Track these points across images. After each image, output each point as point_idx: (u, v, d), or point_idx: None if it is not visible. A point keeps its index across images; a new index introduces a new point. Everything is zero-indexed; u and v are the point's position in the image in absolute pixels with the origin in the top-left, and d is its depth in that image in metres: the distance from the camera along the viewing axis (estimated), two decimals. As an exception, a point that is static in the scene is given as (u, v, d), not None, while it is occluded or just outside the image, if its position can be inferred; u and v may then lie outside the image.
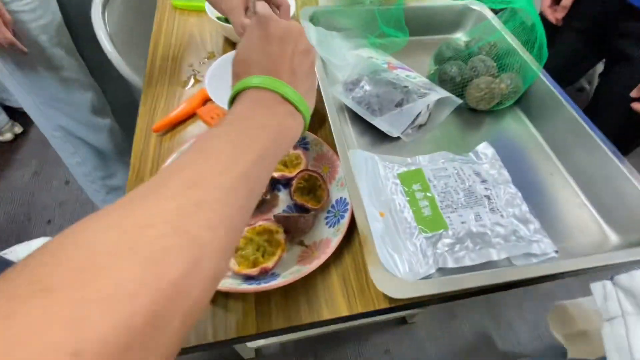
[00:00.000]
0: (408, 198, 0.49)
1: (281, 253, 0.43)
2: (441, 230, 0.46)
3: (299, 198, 0.49)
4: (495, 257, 0.46)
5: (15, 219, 1.47)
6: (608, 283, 0.39)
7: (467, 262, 0.45)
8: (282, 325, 0.42)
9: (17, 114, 1.70)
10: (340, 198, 0.49)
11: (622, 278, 0.37)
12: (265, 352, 1.15)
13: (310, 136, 0.55)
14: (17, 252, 0.46)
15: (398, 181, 0.51)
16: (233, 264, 0.42)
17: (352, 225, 0.46)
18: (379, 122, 0.58)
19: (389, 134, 0.58)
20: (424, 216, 0.48)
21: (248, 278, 0.42)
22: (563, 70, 1.17)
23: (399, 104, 0.58)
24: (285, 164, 0.52)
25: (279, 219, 0.46)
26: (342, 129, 0.61)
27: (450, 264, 0.45)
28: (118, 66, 0.88)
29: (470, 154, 0.58)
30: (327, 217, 0.49)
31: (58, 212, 1.52)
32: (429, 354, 1.21)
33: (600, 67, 1.58)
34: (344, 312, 0.43)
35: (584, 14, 1.12)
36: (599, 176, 0.55)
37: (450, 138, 0.63)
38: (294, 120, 0.31)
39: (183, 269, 0.19)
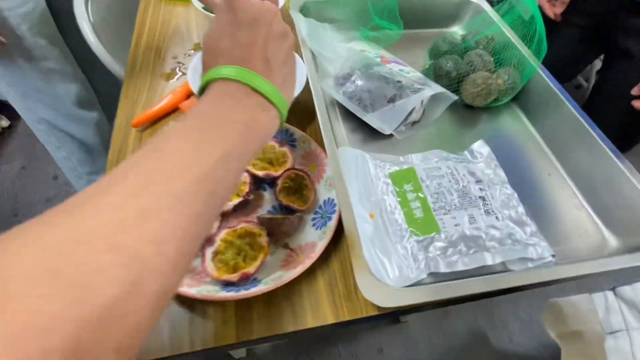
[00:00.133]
0: (399, 199, 0.47)
1: (263, 257, 0.41)
2: (433, 234, 0.44)
3: (284, 198, 0.46)
4: (489, 262, 0.44)
5: (2, 215, 1.43)
6: (610, 294, 0.36)
7: (460, 267, 0.43)
8: (264, 334, 0.39)
9: (3, 107, 1.66)
10: (328, 199, 0.47)
11: (626, 290, 0.35)
12: (257, 351, 1.14)
13: (298, 133, 0.52)
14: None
15: (389, 181, 0.49)
16: (212, 269, 0.39)
17: (341, 227, 0.44)
18: (370, 119, 0.56)
19: (380, 131, 0.55)
20: (416, 218, 0.45)
21: (227, 284, 0.39)
22: (561, 67, 1.15)
23: (392, 100, 0.56)
24: (270, 162, 0.49)
25: (262, 221, 0.43)
26: (332, 126, 0.58)
27: (443, 269, 0.43)
28: (101, 58, 0.85)
29: (465, 152, 0.56)
30: (314, 219, 0.46)
31: (45, 208, 1.45)
32: (423, 352, 1.20)
33: (598, 64, 1.56)
34: (330, 320, 0.41)
35: (584, 9, 1.10)
36: (599, 176, 0.53)
37: (445, 136, 0.60)
38: (266, 114, 0.28)
39: (117, 292, 0.16)
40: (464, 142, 0.58)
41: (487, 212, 0.46)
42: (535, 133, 0.62)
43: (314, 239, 0.44)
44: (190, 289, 0.37)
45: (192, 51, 0.70)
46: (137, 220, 0.18)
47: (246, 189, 0.45)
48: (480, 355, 1.22)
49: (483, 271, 0.44)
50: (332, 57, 0.63)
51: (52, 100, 0.92)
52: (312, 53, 0.62)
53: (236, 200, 0.44)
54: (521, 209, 0.48)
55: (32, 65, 0.84)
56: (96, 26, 0.85)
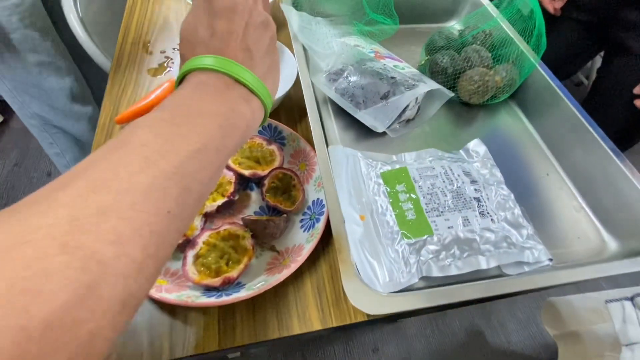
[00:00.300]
0: (391, 200, 0.45)
1: (247, 261, 0.39)
2: (425, 236, 0.42)
3: (271, 199, 0.45)
4: (484, 266, 0.42)
5: (-7, 212, 1.41)
6: (628, 304, 0.35)
7: (454, 272, 0.41)
8: (248, 340, 0.38)
9: (-2, 102, 1.63)
10: (317, 199, 0.45)
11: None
12: (252, 350, 1.12)
13: (287, 130, 0.50)
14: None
15: (381, 181, 0.47)
16: (193, 273, 0.37)
17: (330, 229, 0.42)
18: (363, 116, 0.54)
19: (373, 129, 0.53)
20: (408, 220, 0.44)
21: (209, 289, 0.38)
22: (560, 63, 1.13)
23: (385, 97, 0.54)
24: (258, 161, 0.47)
25: (246, 223, 0.41)
26: (323, 123, 0.56)
27: (435, 273, 0.41)
28: (90, 52, 0.82)
29: (461, 151, 0.54)
30: (302, 220, 0.45)
31: (39, 205, 1.47)
32: (418, 352, 1.19)
33: (598, 61, 1.54)
34: (317, 326, 0.39)
35: (584, 4, 1.08)
36: (598, 177, 0.51)
37: (440, 134, 0.58)
38: (248, 106, 0.26)
39: (69, 297, 0.15)
40: (460, 141, 0.56)
41: (482, 214, 0.44)
42: (534, 131, 0.60)
43: (301, 241, 0.42)
44: (169, 294, 0.35)
45: (181, 45, 0.68)
46: (95, 218, 0.17)
47: (231, 188, 0.43)
48: (476, 355, 1.21)
49: (477, 275, 0.42)
50: (325, 52, 0.61)
51: (44, 94, 0.90)
52: (304, 48, 0.60)
53: (220, 201, 0.43)
54: (518, 210, 0.46)
55: (23, 58, 0.81)
56: (85, 20, 0.83)
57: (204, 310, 0.38)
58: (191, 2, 0.68)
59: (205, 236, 0.40)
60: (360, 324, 0.41)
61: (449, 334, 1.23)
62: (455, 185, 0.46)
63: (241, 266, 0.38)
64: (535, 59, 0.59)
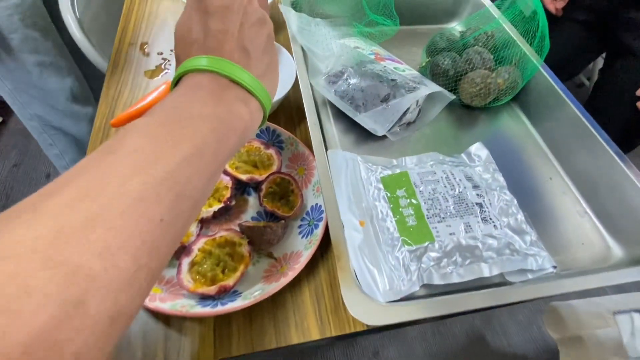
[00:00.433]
0: (391, 205, 0.44)
1: (244, 269, 0.38)
2: (426, 243, 0.41)
3: (269, 204, 0.44)
4: (486, 274, 0.41)
5: (-8, 214, 1.41)
6: (637, 317, 0.34)
7: (455, 279, 0.40)
8: (244, 351, 0.37)
9: (-3, 102, 1.63)
10: (316, 204, 0.44)
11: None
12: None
13: (285, 134, 0.49)
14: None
15: (381, 186, 0.46)
16: (188, 282, 0.37)
17: (329, 235, 0.41)
18: (362, 119, 0.53)
19: (373, 132, 0.53)
20: (408, 226, 0.43)
21: (204, 297, 0.37)
22: (562, 64, 1.11)
23: (385, 99, 0.53)
24: (255, 165, 0.46)
25: (243, 229, 0.40)
26: (323, 126, 0.55)
27: (436, 281, 0.40)
28: (87, 53, 0.82)
29: (463, 155, 0.53)
30: (300, 226, 0.44)
31: (37, 206, 1.46)
32: (419, 355, 1.18)
33: (600, 63, 1.53)
34: (315, 336, 0.38)
35: (586, 4, 1.07)
36: (603, 181, 0.50)
37: (442, 137, 0.57)
38: (246, 108, 0.25)
39: (50, 317, 0.14)
40: (462, 144, 0.55)
41: (484, 220, 0.44)
42: (536, 134, 0.59)
43: (299, 248, 0.41)
44: (163, 303, 0.34)
45: (179, 47, 0.68)
46: (82, 228, 0.16)
47: (228, 194, 0.42)
48: (477, 358, 1.20)
49: (480, 283, 0.41)
50: (324, 54, 0.60)
51: (45, 94, 0.89)
52: (303, 50, 0.59)
53: (217, 206, 0.42)
54: (520, 216, 0.45)
55: (24, 58, 0.81)
56: (83, 21, 0.82)
57: (199, 319, 0.38)
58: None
59: (201, 243, 0.39)
60: (360, 332, 0.40)
61: (450, 337, 1.22)
62: (457, 191, 0.45)
63: (237, 274, 0.37)
64: (538, 61, 0.58)
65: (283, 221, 0.42)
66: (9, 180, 1.51)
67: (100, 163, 0.19)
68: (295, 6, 0.67)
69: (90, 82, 1.00)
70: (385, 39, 0.65)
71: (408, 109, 0.53)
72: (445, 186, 0.46)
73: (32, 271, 0.14)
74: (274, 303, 0.39)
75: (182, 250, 0.39)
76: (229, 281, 0.37)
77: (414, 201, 0.44)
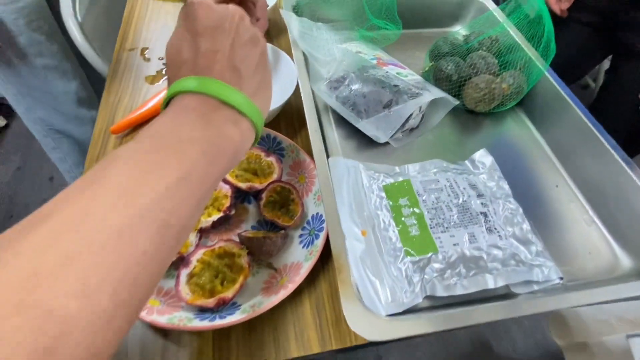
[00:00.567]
0: (393, 214, 0.43)
1: (243, 280, 0.37)
2: (430, 254, 0.40)
3: (268, 213, 0.43)
4: (491, 285, 0.40)
5: (-3, 217, 1.41)
6: None
7: (459, 291, 0.39)
8: (243, 364, 0.36)
9: (1, 105, 1.63)
10: (317, 214, 0.44)
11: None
12: None
13: (286, 141, 0.49)
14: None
15: (383, 194, 0.45)
16: (186, 294, 0.36)
17: (330, 245, 0.40)
18: (364, 126, 0.52)
19: (375, 139, 0.52)
20: (411, 236, 0.42)
21: (203, 310, 0.36)
22: (567, 67, 1.10)
23: (388, 106, 0.52)
24: (255, 173, 0.46)
25: (242, 240, 0.40)
26: (324, 132, 0.55)
27: (440, 292, 0.39)
28: (88, 57, 0.81)
29: (467, 162, 0.52)
30: (301, 236, 0.43)
31: (41, 209, 1.46)
32: (423, 360, 1.17)
33: (606, 64, 1.51)
34: (316, 349, 0.37)
35: (591, 6, 1.05)
36: (611, 189, 0.49)
37: (445, 143, 0.56)
38: (236, 129, 0.25)
39: None
40: (466, 150, 0.54)
41: (489, 230, 0.43)
42: (542, 141, 0.58)
43: (299, 259, 0.40)
44: (160, 317, 0.34)
45: (180, 52, 0.67)
46: (59, 267, 0.15)
47: (227, 203, 0.42)
48: (481, 363, 1.18)
49: (484, 295, 0.40)
50: (326, 59, 0.59)
51: (49, 98, 0.89)
52: (304, 55, 0.59)
53: (216, 216, 0.41)
54: (526, 225, 0.44)
55: (28, 62, 0.81)
56: (85, 25, 0.82)
57: (198, 332, 0.37)
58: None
59: (200, 254, 0.38)
60: (362, 345, 0.40)
61: (454, 342, 1.21)
62: (461, 199, 0.44)
63: (236, 286, 0.37)
64: (543, 65, 0.57)
65: (283, 231, 0.42)
66: (13, 183, 1.52)
67: (82, 194, 0.18)
68: (297, 10, 0.66)
69: (95, 86, 1.00)
70: (388, 43, 0.64)
71: (411, 115, 0.52)
72: (448, 195, 0.45)
73: (3, 318, 0.14)
74: (274, 315, 0.39)
75: (181, 261, 0.38)
76: (228, 293, 0.36)
77: (416, 210, 0.43)
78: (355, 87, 0.55)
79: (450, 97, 0.56)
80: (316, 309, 0.40)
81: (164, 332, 0.37)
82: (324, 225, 0.41)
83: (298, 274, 0.38)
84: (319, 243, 0.40)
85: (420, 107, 0.54)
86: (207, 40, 0.25)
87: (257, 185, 0.44)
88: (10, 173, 1.55)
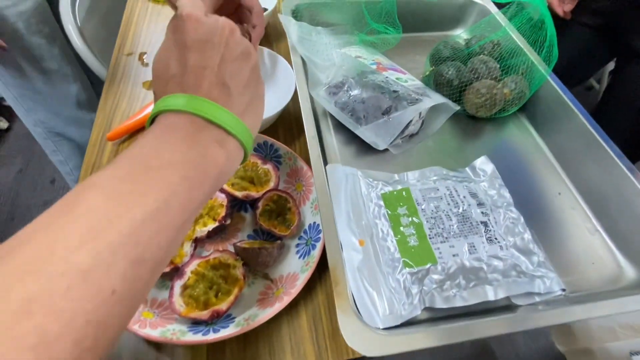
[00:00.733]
0: (392, 224, 0.43)
1: (238, 292, 0.37)
2: (429, 265, 0.40)
3: (265, 222, 0.42)
4: (491, 297, 0.39)
5: (-2, 219, 1.42)
6: None
7: (459, 303, 0.39)
8: (238, 378, 0.35)
9: (2, 108, 1.64)
10: (314, 223, 0.43)
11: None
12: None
13: (283, 149, 0.48)
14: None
15: (382, 202, 0.45)
16: (180, 306, 0.35)
17: (327, 255, 0.40)
18: (363, 132, 0.51)
19: (374, 146, 0.51)
20: (410, 246, 0.41)
21: (197, 322, 0.35)
22: (571, 69, 1.09)
23: (387, 112, 0.51)
24: (252, 181, 0.45)
25: (237, 251, 0.39)
26: (323, 138, 0.54)
27: (439, 304, 0.39)
28: (88, 61, 0.81)
29: (467, 169, 0.51)
30: (298, 245, 0.42)
31: (42, 212, 1.46)
32: (424, 366, 1.16)
33: (610, 65, 1.49)
34: (312, 362, 0.37)
35: (596, 8, 1.04)
36: (614, 197, 0.48)
37: (445, 149, 0.56)
38: (222, 150, 0.23)
39: None
40: (466, 156, 0.53)
41: (489, 240, 0.42)
42: (544, 147, 0.57)
43: (296, 269, 0.40)
44: (153, 330, 0.33)
45: (178, 56, 0.67)
46: (16, 316, 0.14)
47: (223, 212, 0.41)
48: (484, 369, 1.17)
49: (484, 306, 0.39)
50: (325, 63, 0.59)
51: (50, 101, 0.89)
52: (303, 60, 0.58)
53: (211, 225, 0.40)
54: (528, 235, 0.44)
55: (29, 65, 0.81)
56: (86, 30, 0.82)
57: (192, 344, 0.36)
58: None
59: (194, 265, 0.37)
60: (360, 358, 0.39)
61: (456, 347, 1.20)
62: (461, 209, 0.44)
63: (231, 298, 0.36)
64: (546, 70, 0.56)
65: (279, 241, 0.41)
66: (14, 186, 1.52)
67: (51, 226, 0.17)
68: (296, 14, 0.66)
69: (96, 89, 1.00)
70: (388, 48, 0.64)
71: (410, 121, 0.51)
72: (448, 204, 0.44)
73: None
74: (270, 327, 0.38)
75: (175, 272, 0.38)
76: (222, 305, 0.35)
77: (415, 220, 0.43)
78: (354, 92, 0.54)
79: (450, 103, 0.55)
80: (313, 321, 0.39)
81: (157, 345, 0.37)
82: (321, 235, 0.40)
83: (294, 286, 0.37)
84: (316, 254, 0.39)
85: (420, 113, 0.53)
86: (196, 55, 0.24)
87: (254, 193, 0.44)
88: (12, 175, 1.55)
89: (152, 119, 0.24)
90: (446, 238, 0.41)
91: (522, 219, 0.45)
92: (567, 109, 0.54)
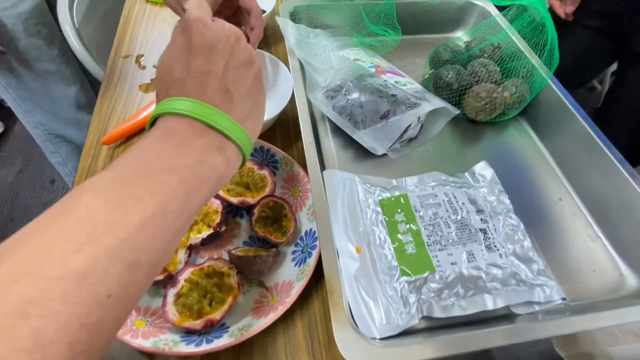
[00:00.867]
0: (389, 230, 0.42)
1: (232, 301, 0.36)
2: (426, 273, 0.39)
3: (260, 229, 0.42)
4: (490, 306, 0.38)
5: (-2, 219, 1.42)
6: None
7: (457, 312, 0.38)
8: (231, 389, 0.35)
9: (2, 108, 1.64)
10: (310, 230, 0.42)
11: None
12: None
13: (280, 154, 0.47)
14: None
15: (379, 209, 0.44)
16: (173, 315, 0.35)
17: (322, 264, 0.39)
18: (361, 137, 0.51)
19: (372, 151, 0.50)
20: (407, 254, 0.40)
21: (190, 332, 0.35)
22: (572, 71, 1.08)
23: (385, 116, 0.51)
24: (248, 187, 0.44)
25: (232, 259, 0.39)
26: (320, 142, 0.53)
27: (437, 313, 0.38)
28: (85, 63, 0.81)
29: (467, 174, 0.50)
30: (294, 252, 0.42)
31: (42, 212, 1.46)
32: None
33: (613, 66, 1.48)
34: (307, 373, 0.36)
35: (596, 10, 1.03)
36: (616, 203, 0.47)
37: (445, 153, 0.55)
38: (220, 155, 0.24)
39: None
40: (466, 161, 0.52)
41: (488, 248, 0.41)
42: (545, 151, 0.56)
43: (291, 277, 0.39)
44: (145, 340, 0.33)
45: (175, 59, 0.66)
46: (12, 318, 0.14)
47: (217, 219, 0.40)
48: (484, 373, 1.16)
49: (483, 315, 0.39)
50: (323, 66, 0.58)
51: (49, 102, 0.88)
52: (301, 63, 0.57)
53: (206, 233, 0.40)
54: (527, 242, 0.43)
55: (28, 66, 0.80)
56: (84, 31, 0.82)
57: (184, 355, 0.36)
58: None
59: (188, 273, 0.37)
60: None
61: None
62: (460, 215, 0.43)
63: (225, 307, 0.35)
64: (547, 73, 0.56)
65: (274, 249, 0.40)
66: (14, 186, 1.52)
67: (48, 229, 0.17)
68: (295, 16, 0.65)
69: (96, 90, 0.99)
70: (387, 50, 0.63)
71: (409, 125, 0.51)
72: (447, 210, 0.43)
73: None
74: (265, 336, 0.37)
75: (169, 279, 0.37)
76: (216, 315, 0.35)
77: (413, 227, 0.42)
78: (352, 96, 0.53)
79: (450, 107, 0.54)
80: (308, 330, 0.39)
81: (150, 354, 0.36)
82: (317, 243, 0.40)
83: (289, 295, 0.36)
84: (311, 262, 0.39)
85: (419, 118, 0.52)
86: (201, 60, 0.24)
87: (249, 199, 0.43)
88: (12, 176, 1.55)
89: (153, 121, 0.24)
90: (444, 246, 0.41)
91: (521, 226, 0.44)
92: (568, 113, 0.53)
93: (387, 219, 0.43)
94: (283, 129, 0.57)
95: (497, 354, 1.22)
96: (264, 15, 0.67)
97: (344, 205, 0.44)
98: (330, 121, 0.56)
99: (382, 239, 0.42)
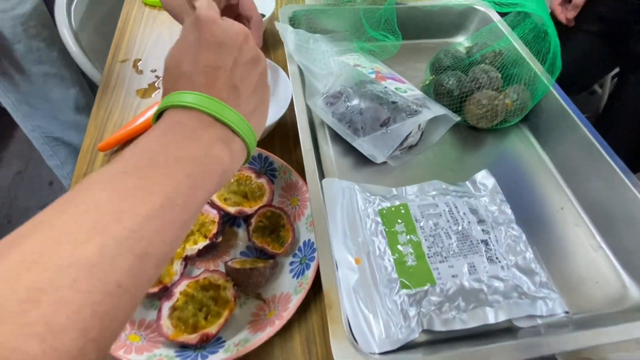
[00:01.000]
0: (389, 242, 0.41)
1: (228, 314, 0.35)
2: (427, 286, 0.38)
3: (258, 240, 0.41)
4: (492, 320, 0.38)
5: (-6, 222, 1.41)
6: None
7: (458, 326, 0.37)
8: (227, 404, 0.34)
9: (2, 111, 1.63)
10: (309, 240, 0.41)
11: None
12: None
13: (278, 162, 0.47)
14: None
15: (379, 219, 0.43)
16: (167, 328, 0.34)
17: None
18: (361, 144, 0.50)
19: (372, 159, 0.50)
20: (407, 266, 0.40)
21: (185, 346, 0.34)
22: (574, 76, 1.07)
23: (385, 123, 0.50)
24: (245, 196, 0.44)
25: (228, 271, 0.38)
26: (320, 149, 0.53)
27: (438, 327, 0.37)
28: (83, 66, 0.80)
29: (467, 183, 0.50)
30: (292, 264, 0.41)
31: (39, 215, 1.46)
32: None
33: (614, 70, 1.47)
34: (304, 389, 0.35)
35: (598, 15, 1.02)
36: (619, 213, 0.47)
37: (445, 161, 0.54)
38: (226, 149, 0.24)
39: None
40: (467, 169, 0.52)
41: (489, 260, 0.40)
42: (547, 159, 0.55)
43: (289, 289, 0.38)
44: (139, 355, 0.32)
45: (173, 63, 0.65)
46: (23, 305, 0.14)
47: (214, 229, 0.40)
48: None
49: (485, 329, 0.38)
50: (322, 72, 0.57)
51: (48, 105, 0.88)
52: (300, 69, 0.57)
53: (202, 243, 0.39)
54: (529, 254, 0.42)
55: (27, 69, 0.80)
56: (81, 34, 0.81)
57: (180, 368, 0.35)
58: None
59: (183, 285, 0.36)
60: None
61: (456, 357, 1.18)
62: (461, 226, 0.42)
63: (221, 320, 0.35)
64: (549, 80, 0.55)
65: (272, 260, 0.39)
66: (13, 188, 1.51)
67: (57, 219, 0.17)
68: (294, 21, 0.64)
69: (95, 93, 0.99)
70: (388, 56, 0.62)
71: (409, 133, 0.50)
72: (448, 221, 0.43)
73: None
74: (262, 350, 0.37)
75: (164, 292, 0.36)
76: (212, 329, 0.34)
77: (414, 238, 0.41)
78: (352, 103, 0.53)
79: (451, 114, 0.53)
80: (306, 344, 0.38)
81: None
82: (316, 254, 0.39)
83: (287, 309, 0.36)
84: (310, 274, 0.38)
85: (419, 125, 0.52)
86: (210, 56, 0.25)
87: (247, 209, 0.42)
88: (10, 177, 1.54)
89: (159, 115, 0.24)
90: (445, 257, 0.40)
91: (523, 237, 0.44)
92: (570, 120, 0.53)
93: (387, 229, 0.42)
94: (282, 136, 0.56)
95: None
96: (263, 19, 0.67)
97: (343, 215, 0.43)
98: (329, 128, 0.55)
99: (381, 250, 0.41)
